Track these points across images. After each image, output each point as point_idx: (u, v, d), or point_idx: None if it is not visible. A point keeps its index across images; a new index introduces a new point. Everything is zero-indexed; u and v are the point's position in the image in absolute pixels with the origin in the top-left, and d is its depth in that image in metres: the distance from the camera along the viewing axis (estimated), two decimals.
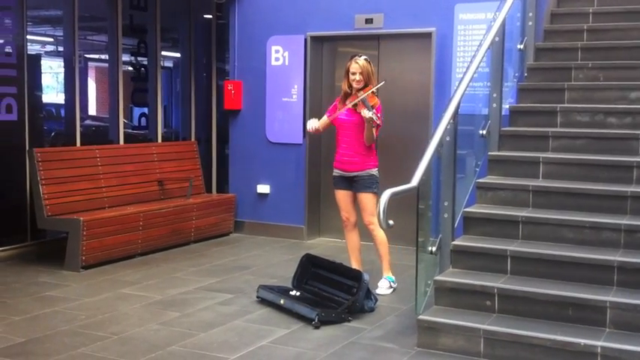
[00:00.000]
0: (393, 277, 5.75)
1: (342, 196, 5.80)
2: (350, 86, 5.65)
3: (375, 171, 5.69)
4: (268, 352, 4.36)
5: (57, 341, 4.45)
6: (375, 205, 5.51)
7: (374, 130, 5.52)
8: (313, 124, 5.76)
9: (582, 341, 3.96)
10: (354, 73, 5.60)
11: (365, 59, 5.63)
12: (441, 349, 4.32)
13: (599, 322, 4.13)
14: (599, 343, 3.93)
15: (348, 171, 5.70)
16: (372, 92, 5.58)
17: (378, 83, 5.73)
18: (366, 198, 5.64)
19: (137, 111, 8.43)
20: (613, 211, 4.75)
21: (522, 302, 4.33)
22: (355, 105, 5.52)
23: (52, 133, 9.57)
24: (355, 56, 5.66)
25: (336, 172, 5.79)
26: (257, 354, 4.33)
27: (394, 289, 5.70)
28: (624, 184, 4.92)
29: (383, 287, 5.69)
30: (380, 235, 5.67)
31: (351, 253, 5.88)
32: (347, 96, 5.68)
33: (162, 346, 4.38)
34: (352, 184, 5.69)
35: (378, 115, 5.44)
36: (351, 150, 5.66)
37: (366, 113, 5.35)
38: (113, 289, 5.66)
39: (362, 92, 5.52)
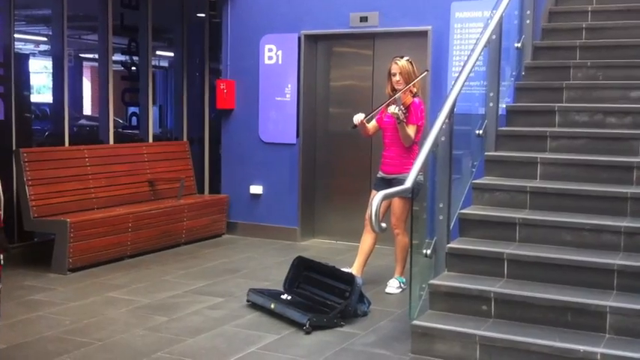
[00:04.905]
0: (404, 279, 5.67)
1: None
2: (393, 89, 5.60)
3: None
4: (258, 359, 4.22)
5: (39, 348, 4.30)
6: (403, 211, 5.52)
7: (411, 130, 5.46)
8: (359, 117, 5.62)
9: (582, 348, 3.84)
10: (394, 74, 5.58)
11: (406, 60, 5.61)
12: (436, 355, 4.19)
13: (598, 328, 4.01)
14: (599, 350, 3.81)
15: (388, 173, 5.66)
16: (410, 91, 5.53)
17: (420, 75, 5.63)
18: (398, 202, 5.52)
19: (128, 110, 8.31)
20: (613, 213, 4.62)
21: (520, 307, 4.20)
22: (390, 104, 5.46)
23: (46, 133, 9.47)
24: (396, 57, 5.65)
25: (379, 174, 5.76)
26: None
27: (403, 290, 5.63)
28: (624, 185, 4.79)
29: (392, 286, 5.70)
30: (403, 240, 5.64)
31: (359, 255, 5.75)
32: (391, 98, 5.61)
33: (147, 353, 4.24)
34: (390, 186, 5.52)
35: (405, 112, 5.36)
36: (392, 152, 5.64)
37: (392, 109, 5.31)
38: (100, 293, 5.52)
39: (398, 92, 5.48)
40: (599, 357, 3.78)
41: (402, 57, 5.64)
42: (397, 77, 5.56)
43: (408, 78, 5.56)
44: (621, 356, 3.76)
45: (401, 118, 5.33)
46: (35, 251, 6.62)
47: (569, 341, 3.91)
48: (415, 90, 5.62)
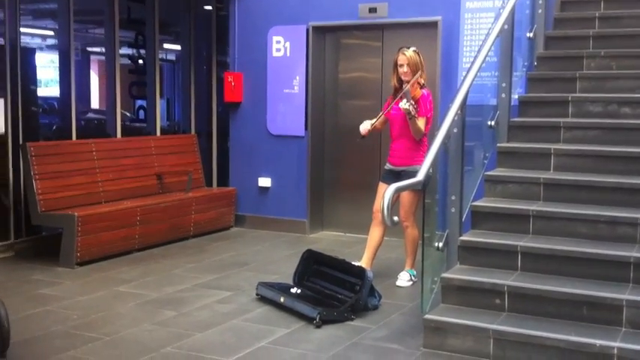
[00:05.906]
0: (415, 272, 5.62)
1: (383, 189, 5.58)
2: (399, 80, 5.52)
3: None
4: (267, 354, 4.17)
5: (46, 343, 4.26)
6: (412, 204, 5.47)
7: (421, 123, 5.38)
8: (365, 126, 5.57)
9: (598, 342, 3.76)
10: (401, 65, 5.48)
11: (413, 50, 5.50)
12: (449, 350, 4.12)
13: (615, 322, 3.94)
14: (616, 344, 3.73)
15: (396, 165, 5.58)
16: (418, 83, 5.44)
17: (412, 80, 5.49)
18: (407, 194, 5.45)
19: (136, 104, 8.26)
20: (629, 204, 4.53)
21: (534, 301, 4.13)
22: (400, 98, 5.37)
23: (53, 127, 9.43)
24: (403, 48, 5.53)
25: (387, 166, 5.69)
26: (256, 356, 4.14)
27: (414, 283, 5.57)
28: None
29: (403, 279, 5.65)
30: (413, 233, 5.60)
31: (367, 248, 5.68)
32: (397, 90, 5.53)
33: (155, 348, 4.19)
34: (399, 179, 5.43)
35: (416, 106, 5.27)
36: (401, 144, 5.56)
37: (403, 104, 5.21)
38: (108, 287, 5.48)
39: (406, 85, 5.39)
40: (615, 351, 3.71)
41: (408, 47, 5.53)
42: (405, 68, 5.45)
43: (415, 69, 5.45)
44: (639, 350, 3.68)
45: (412, 113, 5.25)
46: (43, 245, 6.59)
47: (584, 335, 3.84)
48: (422, 81, 5.53)
